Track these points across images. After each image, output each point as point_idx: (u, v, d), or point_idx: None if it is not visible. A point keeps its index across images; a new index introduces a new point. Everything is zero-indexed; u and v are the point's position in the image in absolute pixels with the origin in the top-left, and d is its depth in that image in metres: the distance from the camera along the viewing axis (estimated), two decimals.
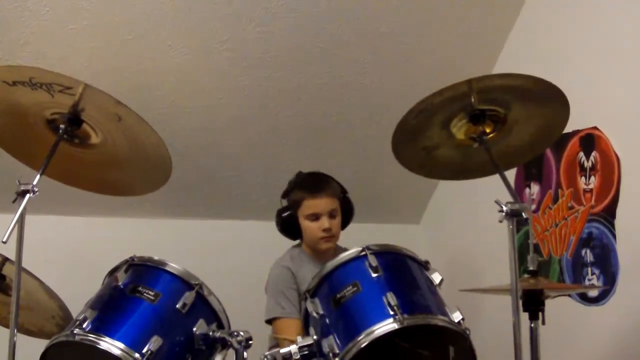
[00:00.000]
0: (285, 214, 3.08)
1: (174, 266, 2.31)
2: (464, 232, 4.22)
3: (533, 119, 2.45)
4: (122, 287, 2.25)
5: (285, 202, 3.12)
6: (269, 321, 2.99)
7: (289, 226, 3.09)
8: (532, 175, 3.72)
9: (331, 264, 2.34)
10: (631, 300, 3.17)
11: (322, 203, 3.04)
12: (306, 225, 3.05)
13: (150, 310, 2.22)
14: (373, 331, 2.10)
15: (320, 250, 3.07)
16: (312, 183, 3.09)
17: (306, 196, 3.04)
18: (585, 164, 3.42)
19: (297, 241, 3.17)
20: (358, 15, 3.57)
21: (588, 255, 3.40)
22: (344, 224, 3.13)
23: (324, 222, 3.02)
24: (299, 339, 2.27)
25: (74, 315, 2.32)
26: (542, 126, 2.50)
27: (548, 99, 2.36)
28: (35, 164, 2.33)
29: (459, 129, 2.46)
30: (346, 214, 3.13)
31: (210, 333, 2.25)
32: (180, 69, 3.44)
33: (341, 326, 2.22)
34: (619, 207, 3.25)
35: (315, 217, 3.03)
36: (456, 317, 2.20)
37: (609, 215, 3.29)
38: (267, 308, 3.00)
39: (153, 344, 2.10)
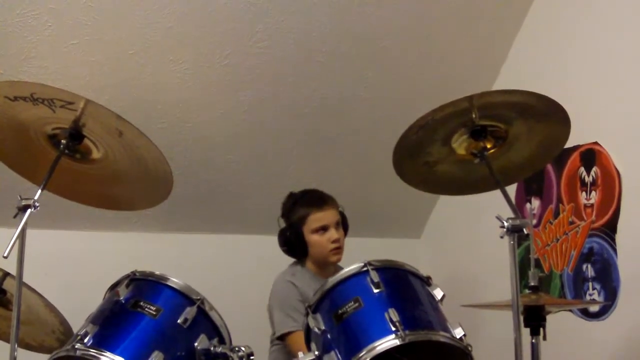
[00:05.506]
0: (289, 232, 3.07)
1: (175, 281, 2.31)
2: (464, 247, 4.21)
3: (534, 134, 2.45)
4: (123, 301, 2.25)
5: (283, 223, 3.12)
6: (281, 337, 2.92)
7: (295, 244, 3.07)
8: (532, 190, 3.72)
9: (333, 280, 2.33)
10: (632, 316, 3.16)
11: (329, 215, 3.07)
12: (314, 239, 3.05)
13: (151, 325, 2.22)
14: (375, 347, 2.09)
15: (328, 264, 3.07)
16: (315, 198, 3.12)
17: (312, 210, 3.06)
18: (586, 179, 3.42)
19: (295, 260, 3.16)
20: (359, 30, 3.57)
21: (589, 270, 3.39)
22: None
23: (333, 233, 3.05)
24: (301, 354, 2.26)
25: (75, 330, 2.32)
26: (543, 141, 2.50)
27: (549, 114, 2.36)
28: (37, 178, 2.34)
29: (460, 144, 2.46)
30: (344, 227, 3.15)
31: (212, 348, 2.25)
32: (182, 83, 3.44)
33: (343, 342, 2.21)
34: (619, 222, 3.25)
35: (323, 229, 3.04)
36: (458, 333, 2.19)
37: (609, 230, 3.29)
38: (277, 323, 2.95)
39: (154, 359, 2.10)
